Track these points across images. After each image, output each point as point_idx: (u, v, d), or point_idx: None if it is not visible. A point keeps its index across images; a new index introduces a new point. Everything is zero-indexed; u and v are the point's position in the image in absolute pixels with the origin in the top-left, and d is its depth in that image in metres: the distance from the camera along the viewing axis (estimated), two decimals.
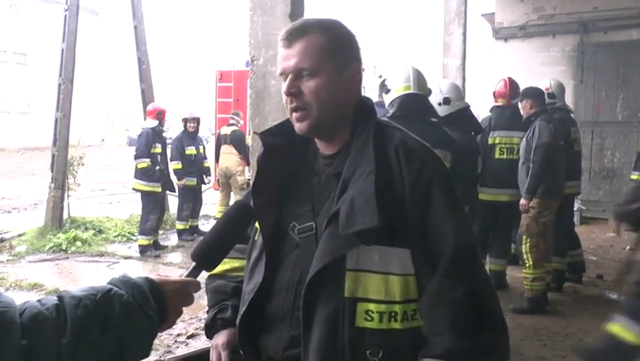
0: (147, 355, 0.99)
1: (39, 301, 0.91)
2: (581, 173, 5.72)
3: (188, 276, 1.12)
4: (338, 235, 1.19)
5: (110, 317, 0.92)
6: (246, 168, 8.44)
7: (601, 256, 6.77)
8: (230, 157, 8.55)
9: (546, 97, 5.32)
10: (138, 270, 6.57)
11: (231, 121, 8.72)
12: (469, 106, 4.06)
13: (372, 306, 1.20)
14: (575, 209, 6.62)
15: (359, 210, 1.18)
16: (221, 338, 1.47)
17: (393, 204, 1.20)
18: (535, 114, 4.79)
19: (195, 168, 8.08)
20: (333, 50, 1.27)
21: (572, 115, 5.68)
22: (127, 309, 0.94)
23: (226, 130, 8.67)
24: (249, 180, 7.87)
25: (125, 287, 0.97)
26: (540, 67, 9.02)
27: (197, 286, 1.11)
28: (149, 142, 7.35)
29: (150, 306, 0.97)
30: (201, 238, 1.23)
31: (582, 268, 5.60)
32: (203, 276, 1.62)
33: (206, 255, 1.16)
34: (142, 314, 0.95)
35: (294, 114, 1.29)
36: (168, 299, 1.02)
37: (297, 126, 1.30)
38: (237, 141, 8.46)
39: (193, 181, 8.04)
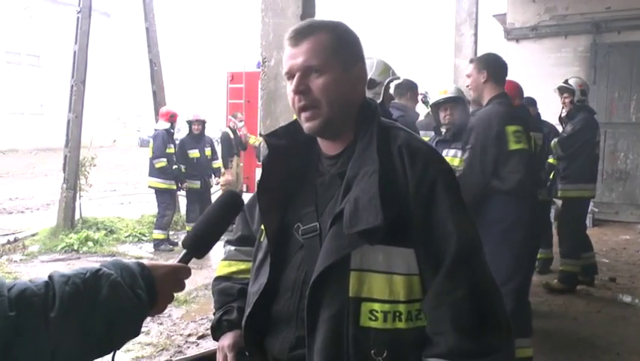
0: (136, 334, 1.01)
1: (30, 280, 0.94)
2: (596, 177, 5.68)
3: (179, 262, 1.14)
4: (342, 235, 1.20)
5: (98, 295, 0.93)
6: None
7: (614, 259, 6.70)
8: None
9: (579, 94, 5.37)
10: None
11: (230, 124, 8.88)
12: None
13: (376, 306, 1.20)
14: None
15: (363, 210, 1.18)
16: (227, 339, 1.48)
17: (397, 203, 1.20)
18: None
19: (199, 170, 8.10)
20: (340, 49, 1.29)
21: (595, 117, 5.58)
22: (115, 288, 0.95)
23: None
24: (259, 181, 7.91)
25: (115, 268, 0.99)
26: (552, 68, 8.95)
27: (187, 272, 1.12)
28: (164, 142, 7.76)
29: (139, 286, 0.99)
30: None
31: (594, 271, 5.56)
32: (209, 277, 1.62)
33: (197, 242, 1.18)
34: (131, 294, 0.97)
35: (303, 114, 1.29)
36: (158, 283, 1.03)
37: (307, 125, 1.30)
38: (222, 142, 8.68)
39: (196, 184, 8.05)
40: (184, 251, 1.16)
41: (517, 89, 4.96)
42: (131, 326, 0.99)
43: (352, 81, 1.31)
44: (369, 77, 3.02)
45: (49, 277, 0.94)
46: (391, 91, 3.47)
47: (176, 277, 1.10)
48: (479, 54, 6.74)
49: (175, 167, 7.80)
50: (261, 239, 1.41)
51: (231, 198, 1.27)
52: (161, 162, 7.65)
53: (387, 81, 3.08)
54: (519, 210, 3.22)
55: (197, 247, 1.17)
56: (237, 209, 1.28)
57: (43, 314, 0.88)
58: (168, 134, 7.90)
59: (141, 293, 0.98)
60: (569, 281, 5.27)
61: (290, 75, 1.30)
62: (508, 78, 5.16)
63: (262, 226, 1.40)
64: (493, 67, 3.39)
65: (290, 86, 1.30)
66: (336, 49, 1.28)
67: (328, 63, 1.27)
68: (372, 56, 3.13)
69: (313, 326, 1.23)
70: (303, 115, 1.29)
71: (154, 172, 7.77)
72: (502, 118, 3.25)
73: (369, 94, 3.05)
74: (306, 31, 1.29)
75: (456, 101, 3.97)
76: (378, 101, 3.00)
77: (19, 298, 0.87)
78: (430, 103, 4.31)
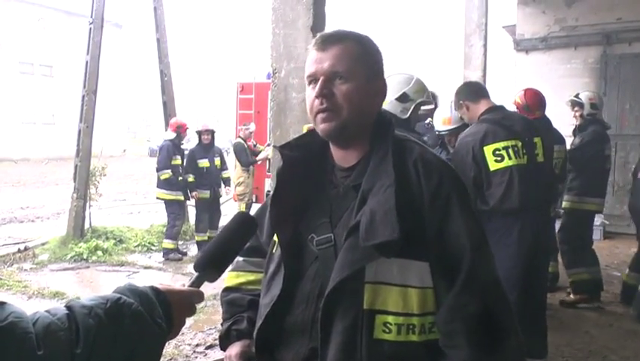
0: None
1: (48, 311, 0.89)
2: (605, 191, 5.50)
3: (191, 286, 1.12)
4: (358, 247, 1.20)
5: (122, 326, 0.91)
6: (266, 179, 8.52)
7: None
8: (232, 168, 8.77)
9: (589, 107, 5.26)
10: (158, 280, 6.62)
11: (240, 134, 8.90)
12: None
13: (390, 318, 1.20)
14: (597, 224, 6.45)
15: (379, 223, 1.18)
16: (235, 348, 1.47)
17: (412, 217, 1.21)
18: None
19: (208, 180, 8.07)
20: (365, 60, 1.31)
21: (607, 131, 5.44)
22: (137, 317, 0.93)
23: None
24: (268, 191, 7.91)
25: (134, 296, 0.96)
26: (562, 79, 8.91)
27: (200, 297, 1.11)
28: (169, 154, 7.81)
29: (159, 314, 0.97)
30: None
31: (601, 287, 5.36)
32: (217, 287, 1.62)
33: (209, 265, 1.15)
34: (152, 323, 0.95)
35: (320, 115, 1.29)
36: (174, 309, 1.02)
37: (322, 127, 1.30)
38: (236, 152, 8.68)
39: (206, 194, 8.02)
40: (196, 275, 1.14)
41: (536, 98, 4.86)
42: (152, 355, 0.96)
43: (372, 93, 1.32)
44: (403, 91, 3.02)
45: (69, 307, 0.91)
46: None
47: (190, 301, 1.08)
48: (488, 65, 6.76)
49: (180, 178, 7.82)
50: (274, 250, 1.40)
51: (244, 221, 1.24)
52: (165, 174, 7.70)
53: (419, 101, 3.06)
54: (506, 226, 3.15)
55: (210, 270, 1.15)
56: (250, 231, 1.26)
57: (69, 352, 0.85)
58: (174, 145, 7.93)
59: (161, 322, 0.97)
60: (584, 289, 5.06)
61: (313, 79, 1.30)
62: (526, 87, 5.09)
63: (275, 238, 1.39)
64: (463, 94, 3.38)
65: (310, 90, 1.30)
66: (362, 59, 1.30)
67: (354, 71, 1.28)
68: (413, 74, 3.12)
69: (327, 338, 1.22)
70: (320, 116, 1.29)
71: (160, 183, 7.85)
72: (480, 139, 3.17)
73: (397, 107, 3.00)
74: (335, 38, 1.30)
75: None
76: (405, 116, 2.98)
77: (45, 334, 0.83)
78: (436, 132, 4.28)
